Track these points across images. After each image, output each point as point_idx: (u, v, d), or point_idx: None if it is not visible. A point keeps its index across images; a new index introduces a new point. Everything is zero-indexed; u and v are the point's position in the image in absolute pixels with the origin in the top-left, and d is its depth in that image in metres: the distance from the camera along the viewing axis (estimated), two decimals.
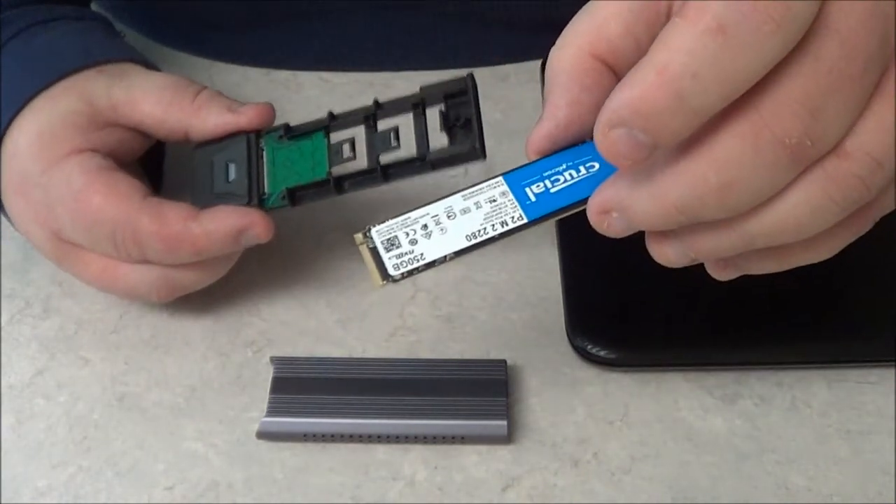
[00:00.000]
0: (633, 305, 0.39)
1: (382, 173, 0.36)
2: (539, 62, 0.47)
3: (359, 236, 0.31)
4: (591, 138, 0.31)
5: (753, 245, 0.29)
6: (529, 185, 0.31)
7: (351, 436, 0.36)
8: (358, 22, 0.49)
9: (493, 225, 0.31)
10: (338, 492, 0.35)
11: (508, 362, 0.38)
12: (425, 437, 0.36)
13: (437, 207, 0.31)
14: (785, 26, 0.24)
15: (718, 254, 0.30)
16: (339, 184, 0.37)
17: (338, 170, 0.37)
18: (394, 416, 0.36)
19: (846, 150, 0.26)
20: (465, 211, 0.31)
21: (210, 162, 0.38)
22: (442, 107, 0.35)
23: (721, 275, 0.32)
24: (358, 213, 0.43)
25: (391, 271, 0.31)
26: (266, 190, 0.37)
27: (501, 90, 0.48)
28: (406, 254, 0.31)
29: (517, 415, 0.37)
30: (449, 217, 0.31)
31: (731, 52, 0.24)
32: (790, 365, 0.38)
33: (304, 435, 0.36)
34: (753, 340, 0.38)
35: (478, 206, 0.31)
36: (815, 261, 0.30)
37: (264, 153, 0.38)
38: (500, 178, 0.31)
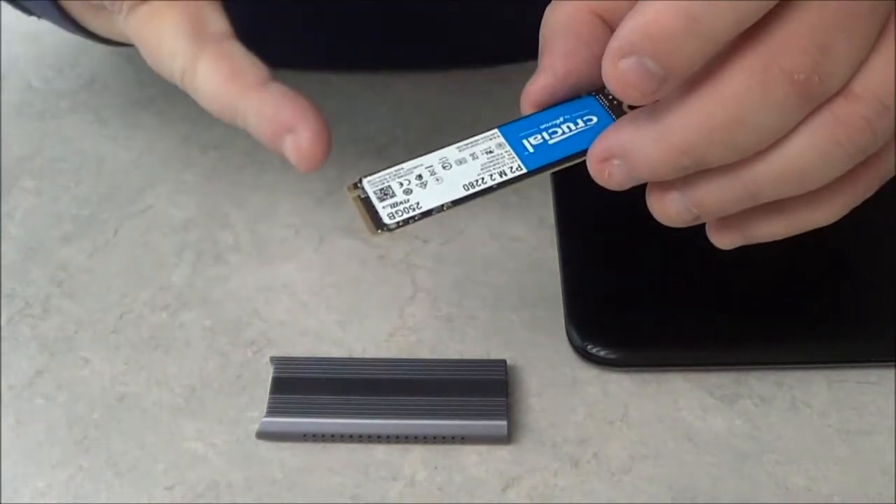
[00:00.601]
0: (633, 305, 0.39)
1: None
2: None
3: (349, 186, 0.30)
4: (588, 93, 0.31)
5: (758, 197, 0.28)
6: (526, 136, 0.30)
7: (351, 436, 0.36)
8: (358, 23, 0.49)
9: (492, 175, 0.30)
10: (338, 492, 0.35)
11: (508, 362, 0.38)
12: (425, 437, 0.36)
13: (432, 158, 0.30)
14: None
15: (722, 207, 0.29)
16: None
17: None
18: (394, 416, 0.36)
19: (853, 91, 0.26)
20: (460, 161, 0.30)
21: None
22: None
23: (723, 240, 0.31)
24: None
25: (385, 219, 0.30)
26: None
27: (502, 90, 0.48)
28: (401, 203, 0.30)
29: (517, 415, 0.37)
30: (444, 168, 0.30)
31: None
32: (790, 365, 0.38)
33: (304, 435, 0.36)
34: (753, 340, 0.38)
35: (474, 156, 0.30)
36: (821, 224, 0.30)
37: None
38: (496, 130, 0.30)
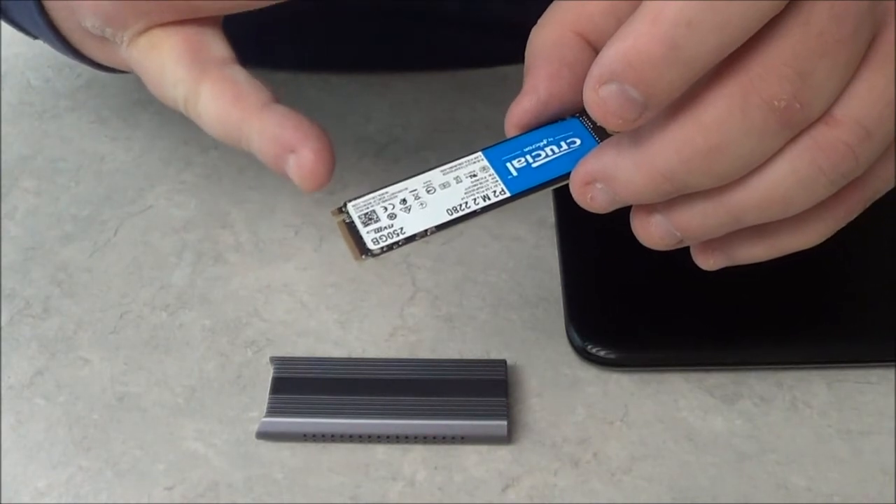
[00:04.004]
0: (633, 306, 0.39)
1: None
2: None
3: (335, 211, 0.30)
4: (572, 115, 0.31)
5: (741, 221, 0.28)
6: (510, 160, 0.30)
7: (351, 436, 0.36)
8: (358, 24, 0.49)
9: (475, 199, 0.30)
10: (338, 492, 0.35)
11: (508, 362, 0.38)
12: (425, 437, 0.36)
13: (416, 182, 0.30)
14: None
15: (705, 231, 0.29)
16: None
17: None
18: (394, 416, 0.36)
19: (835, 116, 0.26)
20: (444, 185, 0.30)
21: None
22: None
23: (707, 261, 0.31)
24: None
25: (370, 245, 0.30)
26: None
27: (500, 91, 0.48)
28: (385, 227, 0.30)
29: (517, 415, 0.37)
30: (428, 192, 0.30)
31: (727, 2, 0.24)
32: (790, 365, 0.38)
33: (304, 435, 0.36)
34: (753, 340, 0.38)
35: (458, 180, 0.30)
36: (804, 247, 0.30)
37: None
38: (480, 154, 0.31)
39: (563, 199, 0.43)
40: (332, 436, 0.36)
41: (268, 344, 0.39)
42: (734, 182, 0.27)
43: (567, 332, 0.38)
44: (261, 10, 0.48)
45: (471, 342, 0.39)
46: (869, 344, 0.38)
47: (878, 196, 0.29)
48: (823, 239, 0.30)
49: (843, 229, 0.30)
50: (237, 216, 0.44)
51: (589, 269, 0.40)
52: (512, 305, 0.40)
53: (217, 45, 0.33)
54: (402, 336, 0.39)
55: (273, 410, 0.36)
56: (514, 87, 0.49)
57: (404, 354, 0.39)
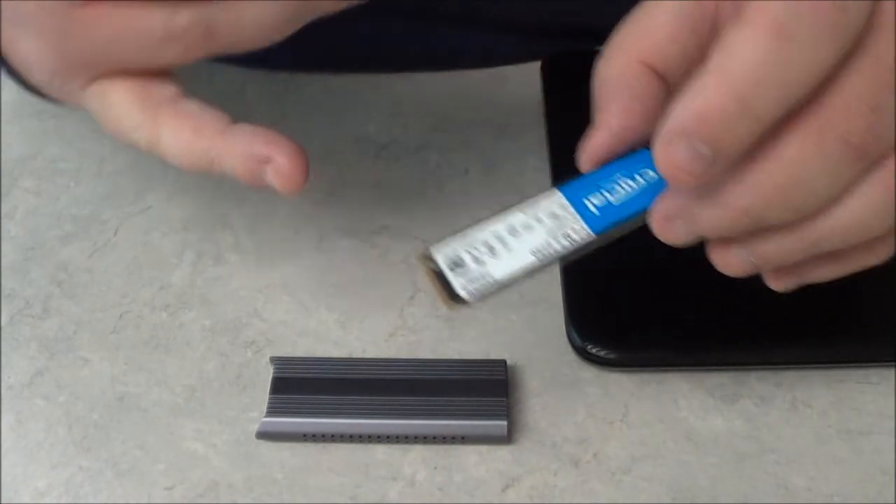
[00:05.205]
0: (633, 306, 0.39)
1: None
2: (539, 63, 0.48)
3: (421, 257, 0.30)
4: (643, 146, 0.31)
5: (818, 249, 0.29)
6: (587, 196, 0.30)
7: (351, 436, 0.36)
8: (358, 23, 0.49)
9: (558, 240, 0.30)
10: (338, 492, 0.35)
11: (508, 362, 0.38)
12: (425, 437, 0.36)
13: (498, 225, 0.30)
14: (843, 25, 0.25)
15: (783, 259, 0.30)
16: None
17: None
18: (394, 416, 0.36)
19: None
20: (527, 227, 0.30)
21: None
22: None
23: (780, 284, 0.32)
24: (358, 213, 0.43)
25: (460, 292, 0.30)
26: None
27: (501, 90, 0.48)
28: (474, 273, 0.30)
29: (517, 415, 0.37)
30: (512, 235, 0.30)
31: (793, 55, 0.24)
32: (790, 365, 0.38)
33: (304, 435, 0.36)
34: (753, 340, 0.38)
35: (539, 221, 0.30)
36: (874, 264, 0.31)
37: None
38: (557, 191, 0.30)
39: None
40: (332, 436, 0.36)
41: (268, 344, 0.39)
42: (811, 215, 0.28)
43: (567, 332, 0.38)
44: None
45: (471, 342, 0.39)
46: (869, 344, 0.38)
47: None
48: (892, 255, 0.31)
49: None
50: (237, 216, 0.44)
51: (589, 269, 0.40)
52: (512, 305, 0.40)
53: (164, 84, 0.33)
54: (402, 336, 0.39)
55: (273, 410, 0.36)
56: (515, 87, 0.50)
57: (404, 354, 0.39)
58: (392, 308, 0.40)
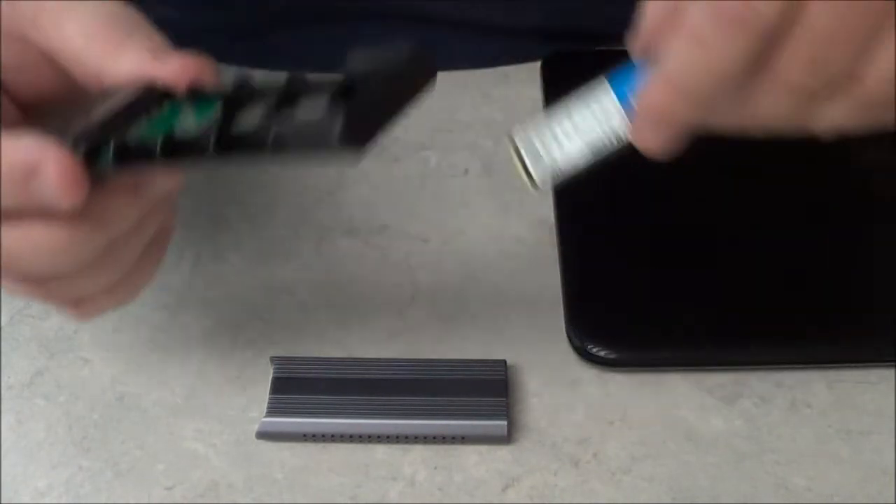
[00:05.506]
0: (632, 306, 0.39)
1: (218, 144, 0.28)
2: (539, 63, 0.48)
3: (509, 137, 0.31)
4: None
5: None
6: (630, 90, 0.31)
7: (351, 436, 0.36)
8: (357, 26, 0.49)
9: (610, 139, 0.31)
10: (338, 492, 0.35)
11: (508, 362, 0.38)
12: (425, 437, 0.36)
13: (560, 115, 0.31)
14: (752, 23, 0.26)
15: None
16: (168, 147, 0.28)
17: (181, 135, 0.28)
18: (394, 416, 0.36)
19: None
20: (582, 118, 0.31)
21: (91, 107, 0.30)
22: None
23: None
24: (359, 213, 0.43)
25: (536, 179, 0.31)
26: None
27: (501, 90, 0.48)
28: (544, 161, 0.31)
29: (517, 415, 0.37)
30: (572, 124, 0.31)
31: (711, 54, 0.27)
32: (790, 365, 0.38)
33: (304, 435, 0.36)
34: (753, 340, 0.38)
35: (594, 115, 0.31)
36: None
37: (161, 111, 0.30)
38: (605, 83, 0.31)
39: (563, 199, 0.43)
40: (332, 436, 0.36)
41: (268, 344, 0.39)
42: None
43: (567, 332, 0.38)
44: (260, 11, 0.48)
45: (471, 342, 0.39)
46: (869, 344, 0.38)
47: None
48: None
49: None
50: (237, 216, 0.44)
51: (589, 269, 0.40)
52: (512, 305, 0.40)
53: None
54: (402, 336, 0.39)
55: (273, 410, 0.36)
56: (515, 86, 0.49)
57: (404, 354, 0.39)
58: (392, 308, 0.40)
